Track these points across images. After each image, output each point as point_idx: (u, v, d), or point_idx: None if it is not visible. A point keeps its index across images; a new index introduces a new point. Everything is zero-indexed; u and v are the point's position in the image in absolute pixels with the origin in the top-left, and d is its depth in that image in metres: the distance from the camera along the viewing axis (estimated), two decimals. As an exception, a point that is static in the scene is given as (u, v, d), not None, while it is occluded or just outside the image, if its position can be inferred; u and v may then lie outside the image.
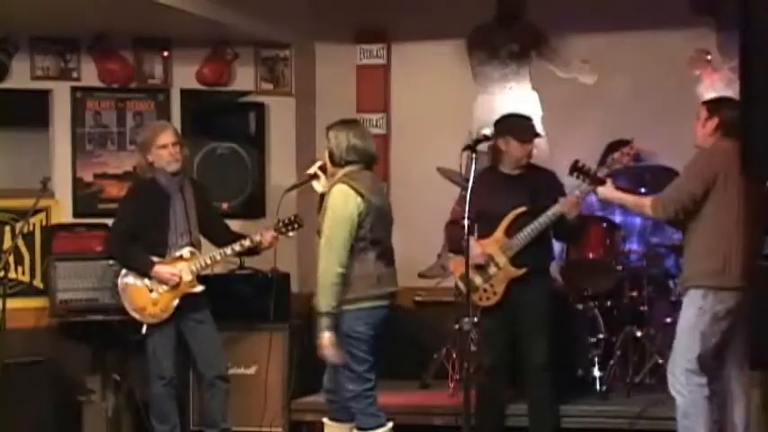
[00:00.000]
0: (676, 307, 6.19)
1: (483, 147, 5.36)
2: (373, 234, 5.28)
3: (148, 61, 7.55)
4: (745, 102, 5.20)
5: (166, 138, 6.17)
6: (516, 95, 7.67)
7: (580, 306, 6.78)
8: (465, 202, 5.08)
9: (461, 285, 5.98)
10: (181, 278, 6.10)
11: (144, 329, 6.13)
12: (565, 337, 6.60)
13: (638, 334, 6.73)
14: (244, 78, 7.74)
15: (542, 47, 7.68)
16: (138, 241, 6.16)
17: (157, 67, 7.56)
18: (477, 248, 5.74)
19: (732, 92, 6.35)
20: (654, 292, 6.95)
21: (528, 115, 6.20)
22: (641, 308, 6.86)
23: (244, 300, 6.92)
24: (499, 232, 5.87)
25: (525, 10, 7.68)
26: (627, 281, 6.89)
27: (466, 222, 5.00)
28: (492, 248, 5.85)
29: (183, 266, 6.13)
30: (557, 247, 6.73)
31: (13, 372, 6.28)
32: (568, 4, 7.50)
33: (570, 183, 5.84)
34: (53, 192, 7.14)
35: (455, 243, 6.01)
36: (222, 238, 6.28)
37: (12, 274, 6.82)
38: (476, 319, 5.89)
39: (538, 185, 5.92)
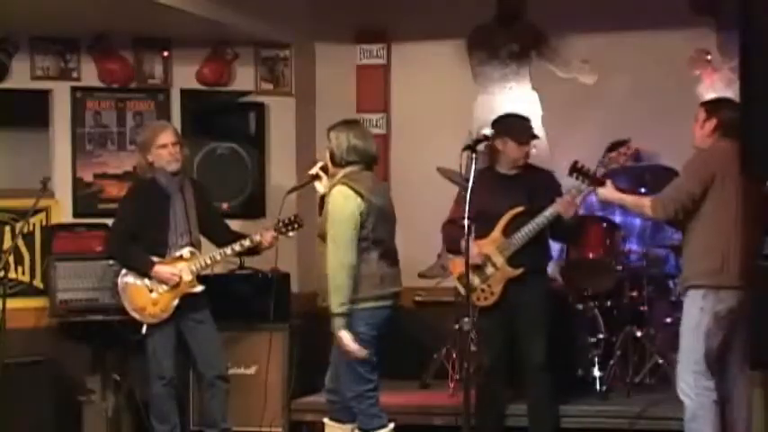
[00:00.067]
0: (676, 307, 6.21)
1: (483, 147, 5.36)
2: (375, 234, 5.28)
3: (148, 61, 7.55)
4: (745, 102, 5.20)
5: (166, 137, 6.17)
6: (516, 95, 7.68)
7: (580, 306, 6.79)
8: (463, 202, 5.08)
9: (459, 286, 6.00)
10: (181, 278, 6.10)
11: (144, 329, 6.13)
12: (565, 337, 6.60)
13: (638, 334, 6.73)
14: (244, 78, 7.74)
15: (542, 47, 7.68)
16: (138, 241, 6.16)
17: (157, 67, 7.56)
18: (473, 249, 5.73)
19: (732, 92, 6.35)
20: (654, 292, 6.96)
21: (526, 116, 6.19)
22: (641, 308, 6.86)
23: (244, 300, 6.92)
24: (496, 232, 5.87)
25: (525, 10, 7.69)
26: (627, 281, 6.89)
27: (466, 223, 4.99)
28: (489, 248, 5.85)
29: (183, 266, 6.13)
30: (557, 246, 6.75)
31: (13, 372, 6.28)
32: (568, 4, 7.51)
33: (570, 183, 5.84)
34: (53, 192, 7.14)
35: (451, 243, 6.02)
36: (222, 238, 6.28)
37: (12, 274, 6.82)
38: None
39: (535, 185, 5.93)
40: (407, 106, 8.01)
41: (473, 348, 5.86)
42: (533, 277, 5.89)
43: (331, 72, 8.07)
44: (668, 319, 6.81)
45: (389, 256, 5.38)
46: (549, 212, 5.76)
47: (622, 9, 7.44)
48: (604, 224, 6.87)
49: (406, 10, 7.89)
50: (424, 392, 7.08)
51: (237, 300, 6.89)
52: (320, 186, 5.56)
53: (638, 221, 7.05)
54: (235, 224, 6.65)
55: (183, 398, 6.66)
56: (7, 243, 6.88)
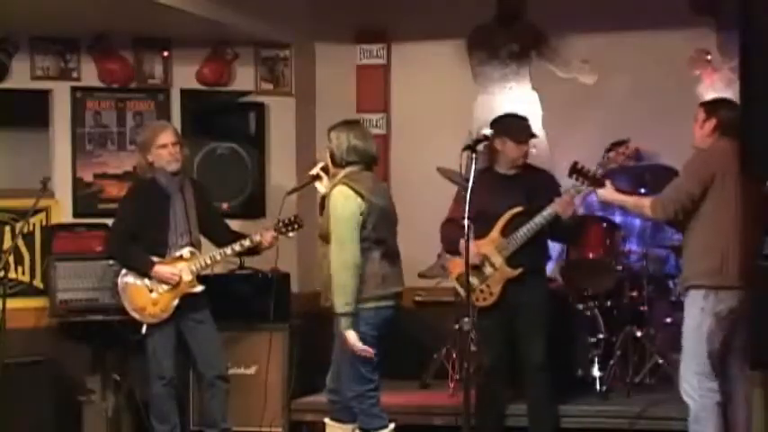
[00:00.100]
0: (676, 307, 6.21)
1: (482, 147, 5.36)
2: (376, 234, 5.28)
3: (148, 61, 7.55)
4: (745, 102, 5.21)
5: (166, 137, 6.17)
6: (516, 95, 7.68)
7: (580, 306, 6.79)
8: (462, 201, 5.08)
9: (458, 286, 6.00)
10: (181, 278, 6.10)
11: (144, 329, 6.13)
12: (565, 337, 6.61)
13: (638, 334, 6.73)
14: (244, 78, 7.74)
15: (542, 47, 7.69)
16: (138, 241, 6.16)
17: (157, 67, 7.56)
18: (472, 249, 5.73)
19: (732, 92, 6.35)
20: (654, 292, 6.96)
21: (524, 116, 6.20)
22: (641, 308, 6.86)
23: (244, 300, 6.92)
24: (495, 232, 5.87)
25: (525, 10, 7.70)
26: (627, 281, 6.89)
27: (466, 223, 4.99)
28: (488, 249, 5.85)
29: (183, 266, 6.13)
30: (557, 246, 6.75)
31: (13, 372, 6.28)
32: (568, 4, 7.51)
33: (570, 183, 5.84)
34: (53, 192, 7.14)
35: (449, 243, 6.03)
36: (223, 237, 6.28)
37: (12, 274, 6.82)
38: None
39: (534, 185, 5.93)
40: (407, 106, 8.00)
41: (473, 348, 5.87)
42: (532, 277, 5.89)
43: (331, 72, 8.07)
44: (668, 319, 6.81)
45: (391, 255, 5.38)
46: (547, 212, 5.76)
47: (622, 9, 7.44)
48: (604, 224, 6.87)
49: (406, 10, 7.89)
50: (424, 392, 7.08)
51: (237, 300, 6.89)
52: (321, 187, 5.56)
53: (638, 222, 7.06)
54: (235, 224, 6.65)
55: (183, 398, 6.66)
56: (7, 243, 6.88)
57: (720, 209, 5.34)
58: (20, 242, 6.91)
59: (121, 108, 7.48)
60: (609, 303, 6.86)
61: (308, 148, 7.81)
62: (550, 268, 6.94)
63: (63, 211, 7.25)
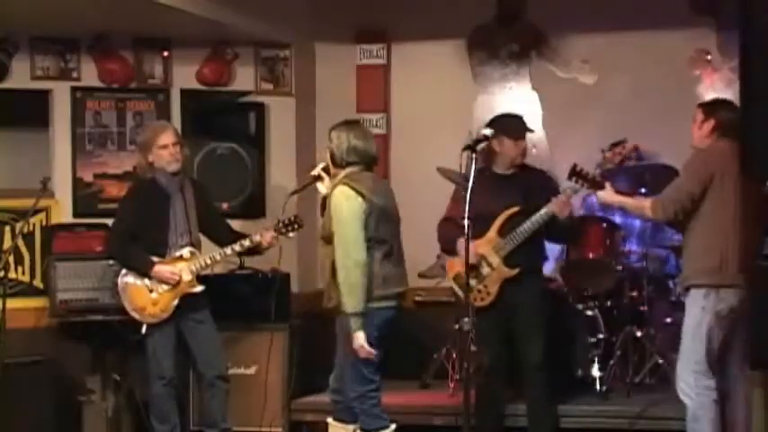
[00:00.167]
0: (676, 307, 6.21)
1: (482, 147, 5.37)
2: (377, 234, 5.28)
3: (148, 61, 7.55)
4: (745, 102, 5.21)
5: (167, 138, 6.17)
6: (516, 95, 7.69)
7: (580, 306, 6.78)
8: (460, 201, 5.08)
9: (455, 286, 6.01)
10: (180, 278, 6.10)
11: (144, 329, 6.13)
12: (565, 336, 6.61)
13: (638, 334, 6.72)
14: (244, 78, 7.74)
15: (542, 47, 7.70)
16: (138, 241, 6.16)
17: (157, 67, 7.56)
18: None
19: (732, 92, 6.36)
20: (654, 292, 6.96)
21: (518, 114, 6.20)
22: (641, 308, 6.86)
23: (244, 300, 6.92)
24: (492, 232, 5.88)
25: (525, 10, 7.70)
26: (627, 281, 6.89)
27: (466, 223, 4.99)
28: (485, 249, 5.85)
29: (183, 266, 6.13)
30: (557, 246, 6.75)
31: (13, 372, 6.27)
32: (568, 4, 7.51)
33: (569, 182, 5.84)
34: (53, 192, 7.14)
35: (446, 243, 6.05)
36: (224, 237, 6.28)
37: (12, 274, 6.82)
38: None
39: (531, 185, 5.94)
40: (407, 106, 8.00)
41: (473, 348, 5.87)
42: (529, 277, 5.90)
43: (331, 72, 8.07)
44: (668, 319, 6.81)
45: (394, 255, 5.37)
46: (544, 212, 5.77)
47: (622, 9, 7.44)
48: (604, 224, 6.87)
49: (406, 10, 7.89)
50: (424, 392, 7.08)
51: (237, 300, 6.89)
52: (322, 187, 5.56)
53: (637, 221, 7.05)
54: (235, 224, 6.65)
55: (183, 398, 6.66)
56: (7, 243, 6.88)
57: (720, 209, 5.34)
58: (20, 242, 6.91)
59: (121, 108, 7.48)
60: (609, 303, 6.86)
61: (308, 148, 7.82)
62: (551, 268, 6.96)
63: (63, 211, 7.25)
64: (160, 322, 6.12)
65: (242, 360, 6.81)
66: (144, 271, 6.11)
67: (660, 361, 6.65)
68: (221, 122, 7.73)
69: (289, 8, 7.68)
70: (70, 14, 6.78)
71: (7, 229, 7.00)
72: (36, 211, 6.65)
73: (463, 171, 5.42)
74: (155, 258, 6.12)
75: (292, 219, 6.22)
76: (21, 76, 7.27)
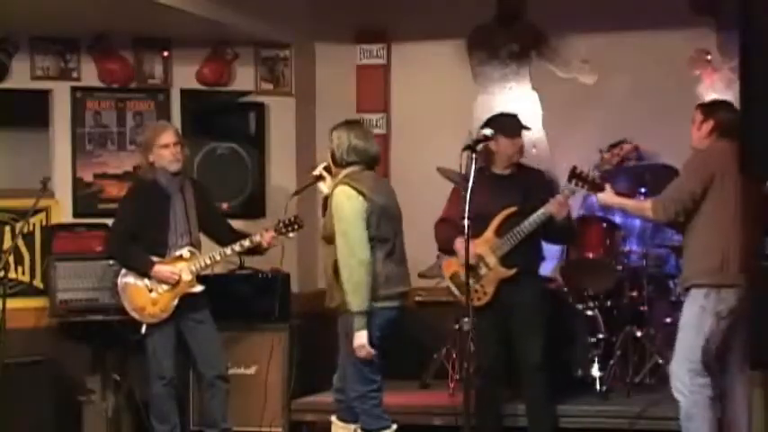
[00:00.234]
0: (676, 307, 6.21)
1: (482, 147, 5.37)
2: (379, 233, 5.27)
3: (148, 61, 7.55)
4: (745, 102, 5.20)
5: (168, 138, 6.18)
6: (516, 95, 7.69)
7: (580, 306, 6.78)
8: (457, 201, 5.06)
9: (452, 286, 6.01)
10: (180, 278, 6.10)
11: (143, 329, 6.13)
12: (565, 337, 6.61)
13: (638, 334, 6.72)
14: (244, 78, 7.74)
15: (542, 47, 7.70)
16: (138, 241, 6.16)
17: (157, 67, 7.56)
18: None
19: (732, 92, 6.36)
20: (654, 292, 6.95)
21: (513, 113, 6.21)
22: (641, 308, 6.86)
23: (244, 300, 6.92)
24: (489, 232, 5.88)
25: (525, 10, 7.71)
26: (627, 281, 6.88)
27: (466, 223, 4.99)
28: (482, 249, 5.85)
29: (183, 266, 6.13)
30: (556, 247, 6.75)
31: (13, 372, 6.27)
32: (568, 4, 7.51)
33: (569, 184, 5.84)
34: (53, 192, 7.14)
35: (443, 242, 6.05)
36: (225, 237, 6.28)
37: (12, 274, 6.82)
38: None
39: (529, 185, 5.94)
40: (407, 106, 8.00)
41: (473, 348, 5.87)
42: (526, 278, 5.90)
43: (331, 72, 8.07)
44: (668, 319, 6.80)
45: (395, 255, 5.36)
46: (541, 212, 5.78)
47: (622, 9, 7.44)
48: (604, 224, 6.87)
49: (406, 10, 7.89)
50: (424, 392, 7.08)
51: (237, 300, 6.89)
52: (324, 187, 5.56)
53: (638, 221, 7.05)
54: (235, 224, 6.64)
55: (183, 398, 6.66)
56: (7, 243, 6.88)
57: (720, 208, 5.34)
58: (20, 242, 6.91)
59: (121, 108, 7.48)
60: (609, 303, 6.86)
61: (308, 148, 7.82)
62: (551, 268, 6.96)
63: (63, 211, 7.25)
64: (160, 322, 6.12)
65: (242, 360, 6.81)
66: (144, 271, 6.11)
67: (660, 361, 6.65)
68: (221, 122, 7.73)
69: (289, 8, 7.68)
70: (70, 14, 6.78)
71: (7, 229, 7.00)
72: (36, 211, 6.65)
73: (463, 171, 5.42)
74: (154, 258, 6.12)
75: (292, 219, 6.22)
76: (21, 76, 7.27)
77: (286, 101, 7.83)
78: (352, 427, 5.42)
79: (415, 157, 7.75)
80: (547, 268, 6.81)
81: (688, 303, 5.43)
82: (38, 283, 7.08)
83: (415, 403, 6.69)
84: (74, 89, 7.38)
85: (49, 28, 7.18)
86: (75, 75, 7.39)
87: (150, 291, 6.13)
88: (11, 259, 6.63)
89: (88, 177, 7.40)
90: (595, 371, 6.65)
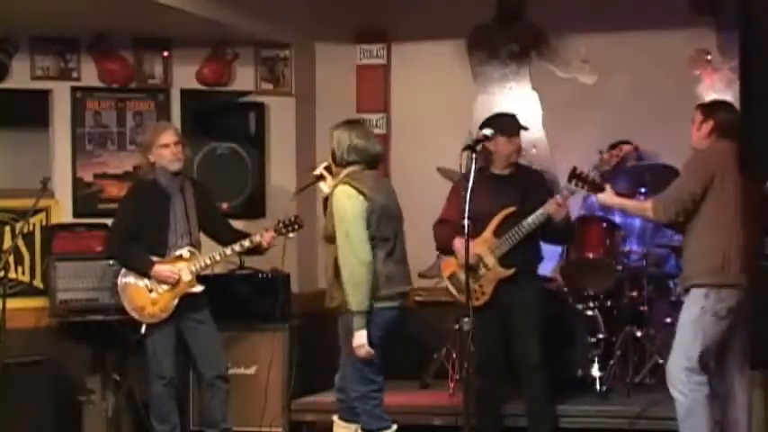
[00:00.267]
0: (676, 307, 6.20)
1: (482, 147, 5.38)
2: (380, 232, 5.27)
3: (148, 61, 7.55)
4: (745, 102, 5.20)
5: (168, 137, 6.18)
6: (516, 95, 7.70)
7: (580, 306, 6.78)
8: (455, 201, 5.04)
9: (450, 286, 6.01)
10: (180, 278, 6.10)
11: (143, 329, 6.13)
12: (565, 337, 6.61)
13: (638, 334, 6.72)
14: (244, 78, 7.74)
15: (542, 47, 7.70)
16: (138, 241, 6.16)
17: (157, 67, 7.56)
18: (464, 249, 5.73)
19: (732, 92, 6.36)
20: (654, 292, 6.95)
21: (511, 112, 6.21)
22: (641, 308, 6.86)
23: (244, 300, 6.92)
24: (488, 232, 5.88)
25: (525, 10, 7.71)
26: (627, 281, 6.88)
27: (466, 223, 5.00)
28: (481, 249, 5.85)
29: (183, 266, 6.13)
30: (556, 247, 6.74)
31: (13, 372, 6.27)
32: (568, 4, 7.51)
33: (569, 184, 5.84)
34: (53, 192, 7.14)
35: (441, 243, 6.06)
36: (226, 237, 6.28)
37: (12, 274, 6.82)
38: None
39: (527, 186, 5.94)
40: (407, 106, 8.00)
41: (473, 348, 5.87)
42: (525, 278, 5.90)
43: (331, 72, 8.07)
44: (668, 319, 6.80)
45: (396, 254, 5.36)
46: (539, 213, 5.78)
47: (622, 9, 7.44)
48: (604, 224, 6.86)
49: (406, 10, 7.89)
50: (424, 392, 7.08)
51: (237, 300, 6.89)
52: (325, 186, 5.56)
53: (638, 221, 7.05)
54: (235, 224, 6.64)
55: (183, 398, 6.66)
56: (7, 243, 6.88)
57: (720, 209, 5.34)
58: (20, 242, 6.91)
59: (121, 108, 7.48)
60: (609, 303, 6.86)
61: (308, 148, 7.82)
62: (551, 268, 6.96)
63: (63, 211, 7.25)
64: (160, 322, 6.12)
65: (242, 360, 6.81)
66: (144, 271, 6.11)
67: (660, 361, 6.64)
68: (221, 122, 7.73)
69: (289, 8, 7.68)
70: (70, 14, 6.78)
71: (7, 229, 7.00)
72: (36, 211, 6.65)
73: (463, 171, 5.42)
74: (154, 258, 6.12)
75: (292, 219, 6.22)
76: (21, 76, 7.27)
77: (286, 101, 7.83)
78: (354, 426, 5.41)
79: (415, 157, 7.75)
80: (547, 268, 6.81)
81: (687, 303, 5.43)
82: (38, 283, 7.08)
83: (415, 403, 6.69)
84: (74, 89, 7.38)
85: (49, 28, 7.18)
86: (75, 75, 7.39)
87: (150, 291, 6.13)
88: (11, 259, 6.63)
89: (88, 177, 7.40)
90: (595, 371, 6.65)
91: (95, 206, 7.35)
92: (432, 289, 7.31)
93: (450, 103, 7.79)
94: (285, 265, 6.59)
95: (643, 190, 6.68)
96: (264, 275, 6.97)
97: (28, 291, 7.05)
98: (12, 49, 7.26)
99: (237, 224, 6.69)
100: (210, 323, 6.25)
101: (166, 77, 7.57)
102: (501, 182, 5.93)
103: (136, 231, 6.16)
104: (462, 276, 5.88)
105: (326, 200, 5.45)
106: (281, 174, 7.70)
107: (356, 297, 5.16)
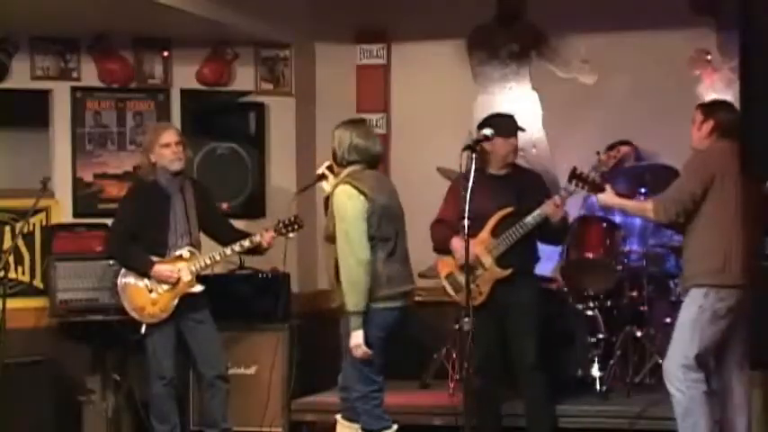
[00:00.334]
0: (676, 307, 6.20)
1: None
2: (381, 232, 5.27)
3: (148, 61, 7.55)
4: (745, 102, 5.21)
5: (169, 137, 6.18)
6: (516, 95, 7.70)
7: (580, 306, 6.78)
8: (452, 202, 5.02)
9: (447, 286, 6.01)
10: (180, 278, 6.10)
11: (143, 329, 6.13)
12: (565, 337, 6.61)
13: (638, 334, 6.72)
14: (244, 78, 7.74)
15: (542, 47, 7.70)
16: (138, 241, 6.16)
17: (157, 67, 7.56)
18: (461, 249, 5.72)
19: (732, 92, 6.36)
20: (654, 292, 6.95)
21: (509, 113, 6.21)
22: (641, 308, 6.86)
23: (244, 300, 6.92)
24: (485, 233, 5.88)
25: (525, 10, 7.71)
26: (627, 281, 6.88)
27: (466, 223, 5.00)
28: (478, 249, 5.84)
29: (183, 266, 6.13)
30: (557, 247, 6.74)
31: (13, 372, 6.27)
32: (568, 4, 7.51)
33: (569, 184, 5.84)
34: (53, 192, 7.14)
35: (439, 243, 6.05)
36: (227, 237, 6.28)
37: (12, 274, 6.82)
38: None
39: (524, 186, 5.95)
40: (407, 106, 8.00)
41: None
42: (522, 278, 5.90)
43: (331, 72, 8.07)
44: (668, 319, 6.79)
45: (398, 254, 5.35)
46: (537, 214, 5.78)
47: (622, 9, 7.44)
48: (604, 224, 6.86)
49: (406, 10, 7.89)
50: (424, 392, 7.08)
51: (237, 300, 6.89)
52: (327, 186, 5.55)
53: (638, 221, 7.04)
54: (235, 224, 6.64)
55: (183, 398, 6.66)
56: (7, 243, 6.88)
57: (721, 209, 5.34)
58: (20, 242, 6.91)
59: (121, 108, 7.48)
60: (609, 303, 6.85)
61: (308, 148, 7.82)
62: (551, 268, 6.96)
63: (63, 211, 7.25)
64: (160, 322, 6.12)
65: (242, 360, 6.81)
66: (143, 271, 6.12)
67: (660, 361, 6.62)
68: (221, 122, 7.73)
69: (289, 8, 7.68)
70: (70, 14, 6.78)
71: (7, 229, 7.00)
72: (36, 211, 6.65)
73: (463, 171, 5.42)
74: (154, 258, 6.12)
75: (292, 219, 6.22)
76: (21, 76, 7.27)
77: (286, 101, 7.83)
78: (357, 426, 5.41)
79: (415, 157, 7.75)
80: (547, 268, 6.82)
81: (687, 303, 5.43)
82: (38, 283, 7.08)
83: (415, 403, 6.69)
84: (74, 89, 7.38)
85: (49, 28, 7.17)
86: (75, 75, 7.39)
87: (150, 291, 6.13)
88: (11, 259, 6.63)
89: (88, 177, 7.40)
90: (595, 371, 6.65)
91: (95, 206, 7.35)
92: (432, 289, 7.30)
93: (451, 103, 7.79)
94: (285, 265, 6.60)
95: (643, 190, 6.68)
96: (264, 275, 6.97)
97: (28, 291, 7.05)
98: (12, 49, 7.26)
99: (237, 224, 6.68)
100: (210, 323, 6.26)
101: (166, 77, 7.57)
102: (498, 182, 5.93)
103: (136, 231, 6.16)
104: (459, 276, 5.91)
105: (328, 199, 5.45)
106: (281, 174, 7.70)
107: (353, 297, 5.16)
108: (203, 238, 6.30)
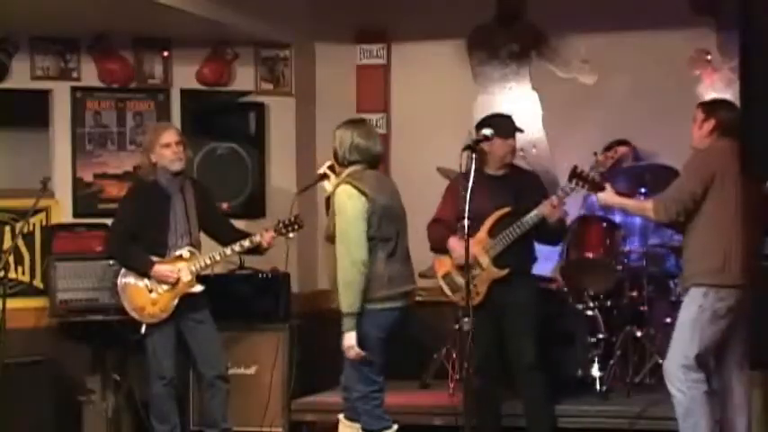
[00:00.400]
0: (676, 307, 6.20)
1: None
2: (381, 232, 5.27)
3: (148, 61, 7.55)
4: (745, 102, 5.21)
5: (169, 137, 6.18)
6: (516, 95, 7.70)
7: (580, 306, 6.78)
8: (450, 202, 5.03)
9: (444, 286, 6.01)
10: (180, 278, 6.10)
11: (143, 329, 6.13)
12: (565, 337, 6.61)
13: (638, 334, 6.73)
14: (244, 78, 7.74)
15: (542, 47, 7.70)
16: (138, 241, 6.17)
17: (157, 67, 7.56)
18: (459, 249, 5.74)
19: (732, 92, 6.36)
20: (654, 292, 6.95)
21: (507, 114, 6.21)
22: (641, 308, 6.86)
23: (244, 300, 6.92)
24: (482, 233, 5.88)
25: (525, 10, 7.71)
26: (627, 281, 6.88)
27: (465, 223, 5.00)
28: (475, 249, 5.83)
29: (183, 266, 6.13)
30: (556, 247, 6.74)
31: (13, 372, 6.27)
32: (568, 4, 7.51)
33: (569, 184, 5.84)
34: (53, 192, 7.14)
35: (436, 242, 6.06)
36: (227, 236, 6.28)
37: (12, 274, 6.82)
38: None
39: (521, 186, 5.95)
40: (407, 106, 8.00)
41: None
42: (519, 278, 5.91)
43: (331, 72, 8.07)
44: (668, 319, 6.79)
45: (399, 254, 5.35)
46: (534, 214, 5.79)
47: (622, 9, 7.44)
48: (604, 224, 6.87)
49: (406, 10, 7.89)
50: (424, 392, 7.08)
51: (237, 300, 6.89)
52: (328, 185, 5.55)
53: (638, 221, 7.05)
54: (235, 224, 6.64)
55: (183, 398, 6.66)
56: (7, 243, 6.88)
57: (721, 208, 5.34)
58: (20, 242, 6.91)
59: (121, 108, 7.47)
60: (609, 303, 6.86)
61: (308, 148, 7.82)
62: (551, 268, 6.96)
63: (63, 211, 7.25)
64: (160, 322, 6.12)
65: (242, 360, 6.81)
66: (143, 271, 6.12)
67: (660, 361, 6.62)
68: (221, 122, 7.73)
69: (289, 8, 7.68)
70: (70, 14, 6.78)
71: (7, 229, 7.00)
72: (36, 211, 6.65)
73: (463, 171, 5.42)
74: (154, 258, 6.12)
75: (292, 219, 6.22)
76: (21, 76, 7.27)
77: (286, 101, 7.83)
78: (359, 425, 5.41)
79: (415, 157, 7.75)
80: (547, 268, 6.82)
81: (687, 302, 5.44)
82: (38, 283, 7.08)
83: (415, 403, 6.69)
84: (74, 89, 7.38)
85: (49, 28, 7.17)
86: (75, 75, 7.39)
87: (150, 291, 6.13)
88: (11, 259, 6.63)
89: (88, 177, 7.40)
90: (595, 371, 6.65)
91: (95, 206, 7.35)
92: (432, 289, 7.29)
93: (451, 103, 7.79)
94: (285, 265, 6.60)
95: (643, 190, 6.68)
96: (264, 275, 6.97)
97: (28, 291, 7.05)
98: (12, 49, 7.26)
99: (237, 224, 6.68)
100: (210, 323, 6.26)
101: (166, 77, 7.57)
102: (495, 182, 5.93)
103: (136, 231, 6.16)
104: (456, 276, 5.92)
105: (329, 199, 5.45)
106: (281, 174, 7.69)
107: (347, 298, 5.16)
108: (203, 238, 6.30)
